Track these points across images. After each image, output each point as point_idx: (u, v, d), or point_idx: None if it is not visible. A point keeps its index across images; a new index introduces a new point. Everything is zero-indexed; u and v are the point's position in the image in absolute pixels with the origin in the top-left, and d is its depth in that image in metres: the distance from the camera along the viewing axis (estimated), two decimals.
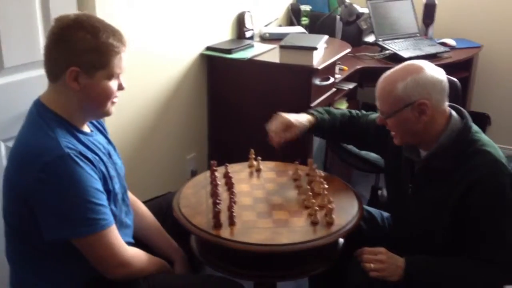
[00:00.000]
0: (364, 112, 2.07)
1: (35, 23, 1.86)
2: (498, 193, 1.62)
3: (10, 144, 1.85)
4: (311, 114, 2.00)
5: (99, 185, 1.50)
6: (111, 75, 1.50)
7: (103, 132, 1.72)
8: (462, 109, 1.76)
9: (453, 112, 1.73)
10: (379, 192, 2.75)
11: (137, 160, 2.52)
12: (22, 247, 1.57)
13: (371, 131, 1.97)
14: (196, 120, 2.93)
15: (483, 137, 1.70)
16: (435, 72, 1.68)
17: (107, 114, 1.58)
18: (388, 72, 1.72)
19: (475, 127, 1.72)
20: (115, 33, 1.48)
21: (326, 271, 1.76)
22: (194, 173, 2.88)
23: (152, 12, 2.44)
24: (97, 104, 1.53)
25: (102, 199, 1.50)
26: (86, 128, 1.60)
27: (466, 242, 1.66)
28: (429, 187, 1.73)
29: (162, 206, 1.95)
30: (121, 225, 1.62)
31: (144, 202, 1.95)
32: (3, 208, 1.57)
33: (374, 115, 1.98)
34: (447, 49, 3.48)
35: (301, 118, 1.95)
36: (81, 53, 1.44)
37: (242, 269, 1.71)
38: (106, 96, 1.52)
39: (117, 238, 1.55)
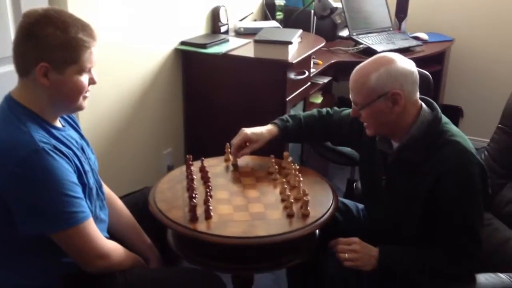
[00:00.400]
0: (336, 109, 2.09)
1: (6, 19, 1.83)
2: (468, 184, 1.65)
3: None
4: (274, 123, 2.04)
5: (74, 178, 1.50)
6: (81, 70, 1.49)
7: (75, 127, 1.71)
8: (432, 101, 1.79)
9: (423, 104, 1.76)
10: (354, 184, 2.78)
11: (112, 155, 2.51)
12: None
13: (344, 126, 2.00)
14: (172, 115, 2.93)
15: (453, 127, 1.74)
16: (406, 64, 1.70)
17: (79, 108, 1.57)
18: (361, 65, 1.75)
19: (444, 118, 1.75)
20: (85, 28, 1.47)
21: (302, 262, 1.77)
22: (170, 168, 2.88)
23: (126, 6, 2.43)
24: (68, 99, 1.52)
25: (78, 192, 1.50)
26: (58, 123, 1.59)
27: (437, 233, 1.69)
28: (402, 178, 1.76)
29: (139, 201, 1.94)
30: (96, 220, 1.62)
31: (121, 197, 1.95)
32: None
33: (347, 111, 2.01)
34: (419, 43, 3.53)
35: (263, 131, 2.00)
36: (51, 49, 1.43)
37: (219, 262, 1.72)
38: (77, 91, 1.51)
39: (96, 231, 1.55)
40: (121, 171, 2.57)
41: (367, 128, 1.78)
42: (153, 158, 2.83)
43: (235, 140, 1.98)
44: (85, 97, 1.55)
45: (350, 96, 1.76)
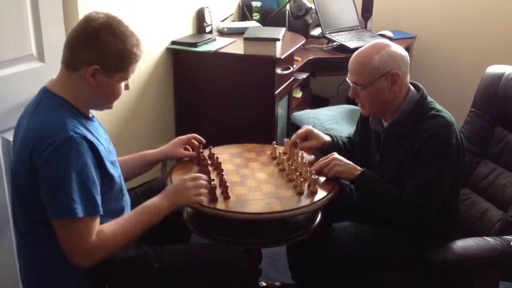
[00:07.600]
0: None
1: (26, 20, 1.91)
2: (443, 152, 1.83)
3: (4, 135, 1.92)
4: (329, 135, 2.20)
5: (94, 172, 1.57)
6: (125, 78, 1.65)
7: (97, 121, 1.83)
8: (417, 83, 2.01)
9: (411, 86, 1.97)
10: None
11: None
12: (33, 227, 1.64)
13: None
14: (165, 111, 3.02)
15: (437, 105, 1.96)
16: (400, 49, 1.93)
17: (110, 108, 1.74)
18: (361, 49, 1.94)
19: (429, 98, 1.97)
20: (138, 42, 1.63)
21: (307, 239, 1.93)
22: (164, 163, 2.98)
23: (122, 8, 2.51)
24: (105, 100, 1.69)
25: (94, 186, 1.57)
26: (89, 114, 1.71)
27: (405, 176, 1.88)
28: (393, 152, 1.95)
29: (153, 189, 2.06)
30: (115, 209, 1.73)
31: (134, 188, 2.07)
32: (15, 192, 1.64)
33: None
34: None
35: (322, 134, 2.16)
36: (108, 55, 1.57)
37: (234, 238, 1.89)
38: (116, 95, 1.68)
39: (90, 230, 1.56)
40: None
41: (364, 108, 1.97)
42: None
43: (299, 131, 2.13)
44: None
45: (350, 78, 1.94)
